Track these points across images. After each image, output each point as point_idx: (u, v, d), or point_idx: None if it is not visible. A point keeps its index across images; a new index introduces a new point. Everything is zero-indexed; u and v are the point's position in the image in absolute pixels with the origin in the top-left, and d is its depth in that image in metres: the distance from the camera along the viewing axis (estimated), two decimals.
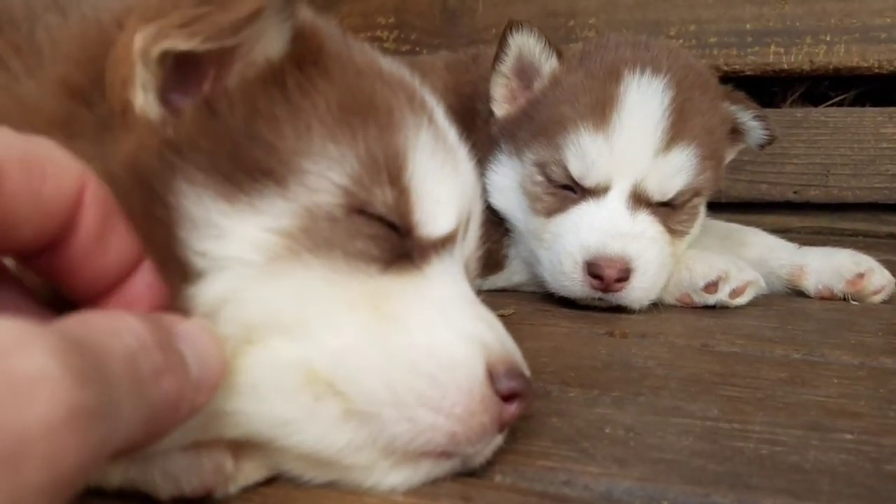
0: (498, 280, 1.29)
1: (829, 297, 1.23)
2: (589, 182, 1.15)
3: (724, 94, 1.27)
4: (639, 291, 1.11)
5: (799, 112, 1.99)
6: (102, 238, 0.41)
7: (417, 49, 2.28)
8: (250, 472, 0.51)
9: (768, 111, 1.82)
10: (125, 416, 0.34)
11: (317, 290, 0.50)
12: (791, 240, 1.37)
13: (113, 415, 0.33)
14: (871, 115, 1.94)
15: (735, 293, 1.15)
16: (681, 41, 1.97)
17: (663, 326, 1.04)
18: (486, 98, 1.31)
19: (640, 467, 0.58)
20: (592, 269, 1.09)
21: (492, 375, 0.53)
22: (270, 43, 0.52)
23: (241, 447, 0.50)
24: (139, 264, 0.44)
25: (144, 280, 0.45)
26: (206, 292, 0.47)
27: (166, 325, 0.41)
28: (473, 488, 0.54)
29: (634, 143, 1.13)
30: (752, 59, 1.98)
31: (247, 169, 0.49)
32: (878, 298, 1.22)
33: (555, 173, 1.17)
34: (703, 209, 1.25)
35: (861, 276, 1.21)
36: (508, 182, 1.24)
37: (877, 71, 1.91)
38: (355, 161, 0.53)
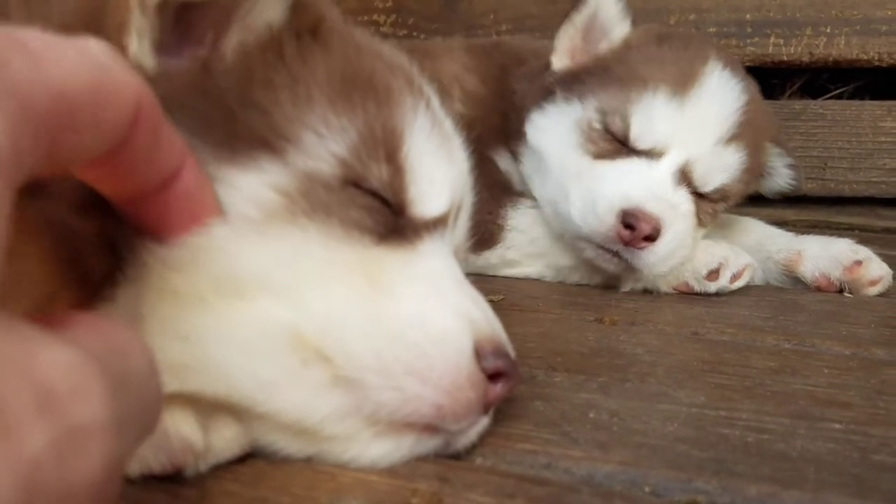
0: (492, 256, 1.26)
1: (825, 286, 1.21)
2: (643, 144, 1.16)
3: (774, 132, 1.32)
4: (656, 257, 1.10)
5: (797, 104, 1.98)
6: (152, 150, 0.40)
7: (415, 34, 2.26)
8: (221, 449, 0.50)
9: (769, 103, 1.80)
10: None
11: (311, 254, 0.50)
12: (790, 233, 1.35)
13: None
14: (869, 109, 1.93)
15: (734, 277, 1.15)
16: (680, 30, 1.95)
17: (652, 314, 1.03)
18: (521, 77, 1.35)
19: (623, 452, 0.57)
20: (628, 219, 1.08)
21: (478, 353, 0.53)
22: (268, 8, 0.52)
23: (212, 424, 0.49)
24: (181, 171, 0.43)
25: (185, 184, 0.43)
26: (194, 242, 0.46)
27: None
28: (451, 470, 0.53)
29: (705, 123, 1.16)
30: (751, 50, 1.96)
31: (241, 133, 0.49)
32: (874, 290, 1.20)
33: (614, 124, 1.17)
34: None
35: (859, 263, 1.20)
36: (558, 122, 1.23)
37: (877, 64, 1.89)
38: (354, 134, 0.52)
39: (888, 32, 1.87)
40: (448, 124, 0.64)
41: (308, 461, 0.51)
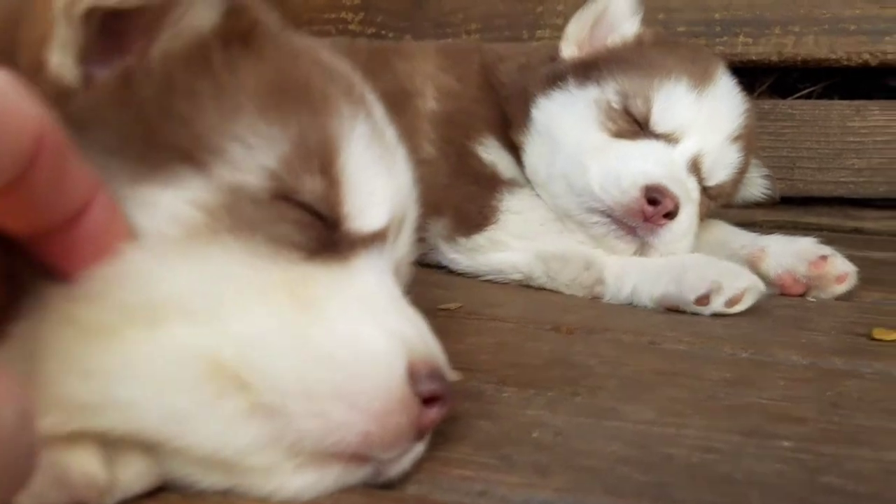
0: (480, 238, 1.24)
1: (788, 285, 1.18)
2: (662, 128, 1.20)
3: (756, 145, 1.41)
4: (672, 235, 1.14)
5: (766, 104, 1.97)
6: (56, 184, 0.37)
7: (383, 32, 2.23)
8: (129, 483, 0.46)
9: None
10: None
11: (232, 274, 0.47)
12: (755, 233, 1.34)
13: None
14: (838, 109, 1.92)
15: (732, 302, 1.06)
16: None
17: (612, 322, 1.01)
18: (512, 71, 1.39)
19: (562, 476, 0.54)
20: (652, 194, 1.11)
21: (412, 375, 0.50)
22: (200, 14, 0.50)
23: (119, 457, 0.46)
24: (90, 206, 0.41)
25: (94, 220, 0.41)
26: (106, 271, 0.43)
27: None
28: (379, 500, 0.50)
29: (719, 117, 1.25)
30: (720, 49, 1.94)
31: (161, 146, 0.46)
32: (841, 288, 1.18)
33: (635, 106, 1.21)
34: None
35: (824, 258, 1.18)
36: (572, 104, 1.26)
37: (845, 63, 1.89)
38: (286, 144, 0.50)
39: (856, 31, 1.87)
40: (391, 134, 0.61)
41: (225, 494, 0.48)
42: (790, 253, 1.20)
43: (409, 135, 1.43)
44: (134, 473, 0.47)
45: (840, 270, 1.19)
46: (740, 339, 0.93)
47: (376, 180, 0.55)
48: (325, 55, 0.59)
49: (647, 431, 0.63)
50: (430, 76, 1.44)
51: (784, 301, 1.17)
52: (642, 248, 1.15)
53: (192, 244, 0.46)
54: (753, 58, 1.94)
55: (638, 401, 0.70)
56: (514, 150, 1.33)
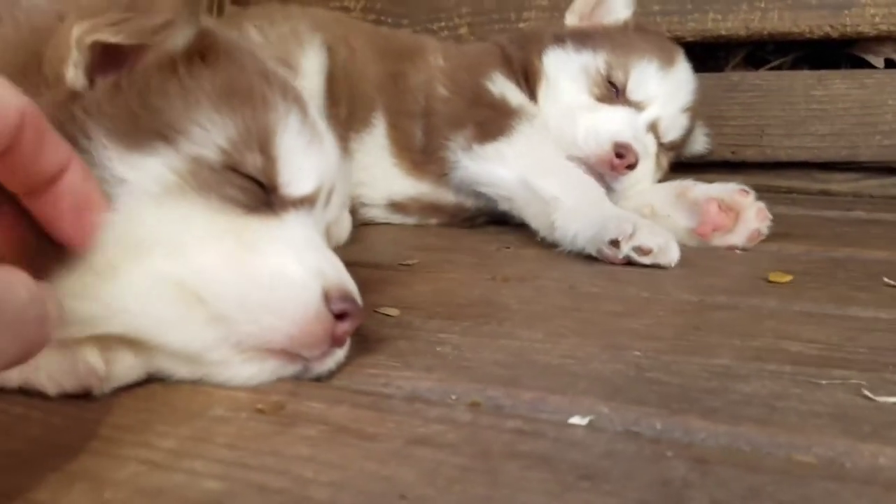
0: (490, 148, 1.51)
1: (713, 217, 1.35)
2: (634, 96, 1.57)
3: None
4: (629, 181, 1.50)
5: (735, 76, 2.10)
6: (38, 150, 0.53)
7: (383, 18, 2.41)
8: (121, 375, 0.65)
9: (709, 76, 1.96)
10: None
11: (194, 220, 0.66)
12: None
13: None
14: (801, 78, 2.04)
15: (641, 251, 1.20)
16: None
17: (546, 272, 1.17)
18: (517, 37, 1.81)
19: (443, 373, 0.72)
20: (619, 149, 1.46)
21: (328, 298, 0.68)
22: (175, 41, 0.69)
23: (113, 356, 0.65)
24: (66, 168, 0.57)
25: (71, 180, 0.57)
26: (110, 218, 0.62)
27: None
28: (305, 387, 0.68)
29: (677, 93, 1.62)
30: (691, 26, 2.08)
31: (144, 129, 0.66)
32: (762, 224, 1.36)
33: (616, 75, 1.57)
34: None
35: (746, 191, 1.39)
36: (571, 63, 1.63)
37: (808, 36, 2.01)
38: (233, 130, 0.69)
39: (818, 6, 1.98)
40: (321, 126, 0.80)
41: (194, 382, 0.67)
42: (716, 187, 1.43)
43: (424, 81, 1.73)
44: (125, 367, 0.66)
45: (760, 205, 1.38)
46: (648, 284, 1.08)
47: (305, 158, 0.74)
48: (270, 65, 0.78)
49: (529, 347, 0.80)
50: (438, 48, 1.80)
51: (709, 253, 1.31)
52: (608, 194, 1.43)
53: (167, 198, 0.65)
54: (723, 33, 2.07)
55: (533, 328, 0.87)
56: (519, 84, 1.66)
